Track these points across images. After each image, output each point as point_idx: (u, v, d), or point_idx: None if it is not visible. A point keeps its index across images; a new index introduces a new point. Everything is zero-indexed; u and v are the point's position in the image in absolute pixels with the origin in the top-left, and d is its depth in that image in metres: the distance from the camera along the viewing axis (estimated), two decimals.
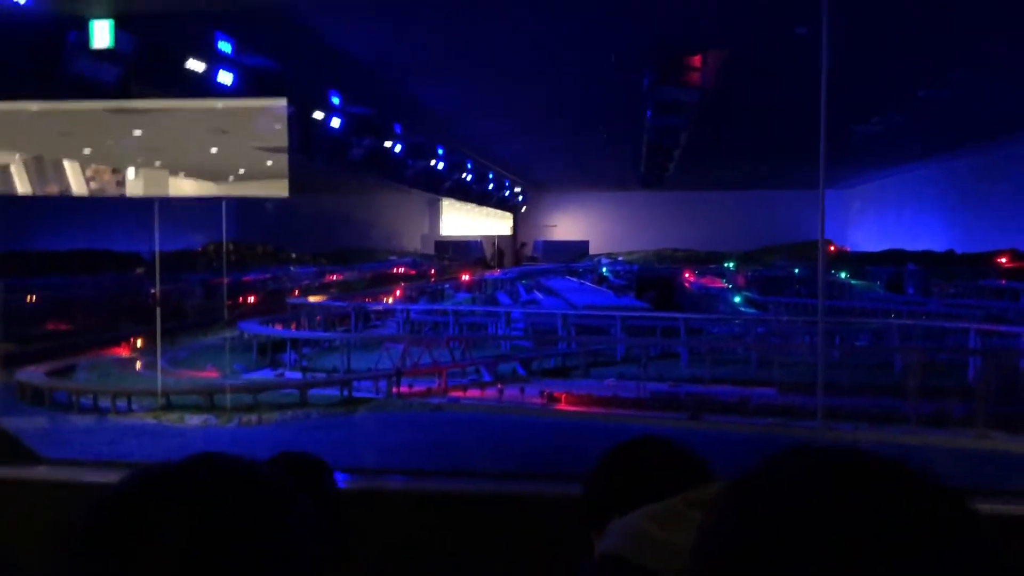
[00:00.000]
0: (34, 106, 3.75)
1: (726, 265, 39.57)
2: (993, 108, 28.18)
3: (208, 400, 15.96)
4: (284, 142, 3.63)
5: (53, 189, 3.68)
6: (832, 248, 42.14)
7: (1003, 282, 29.46)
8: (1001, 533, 2.39)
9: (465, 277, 36.69)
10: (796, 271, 33.34)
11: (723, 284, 34.55)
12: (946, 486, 0.76)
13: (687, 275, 36.85)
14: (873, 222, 44.81)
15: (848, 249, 42.84)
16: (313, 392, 16.66)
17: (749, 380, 19.12)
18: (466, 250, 46.02)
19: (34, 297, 20.29)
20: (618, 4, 19.93)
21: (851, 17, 16.83)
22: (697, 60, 23.99)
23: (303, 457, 2.05)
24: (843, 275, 33.50)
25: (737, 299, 30.33)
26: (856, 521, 0.70)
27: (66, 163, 3.71)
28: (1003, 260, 31.95)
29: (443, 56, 24.46)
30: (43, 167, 3.70)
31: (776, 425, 15.85)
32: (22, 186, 3.67)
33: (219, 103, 3.98)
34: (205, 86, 21.05)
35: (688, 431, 15.91)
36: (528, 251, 51.58)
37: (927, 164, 38.37)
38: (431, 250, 44.51)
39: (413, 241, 43.67)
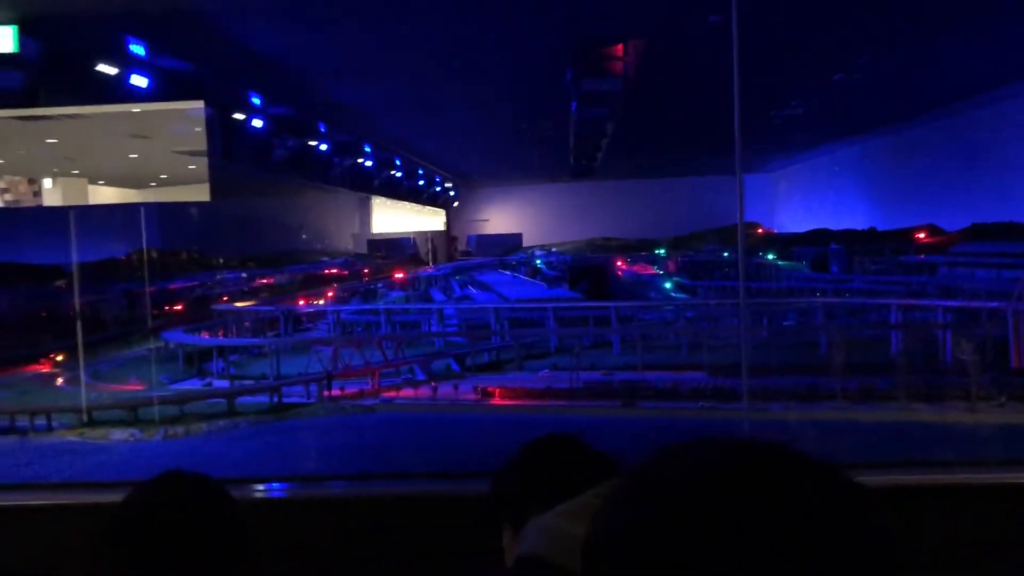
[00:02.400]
0: None
1: (657, 252, 40.05)
2: (905, 90, 29.04)
3: (133, 414, 15.56)
4: (204, 145, 3.54)
5: None
6: (760, 230, 42.98)
7: (922, 257, 30.42)
8: (926, 502, 2.42)
9: (398, 275, 36.44)
10: (725, 255, 33.90)
11: (654, 271, 34.96)
12: (824, 463, 0.78)
13: (619, 263, 37.20)
14: (798, 203, 45.85)
15: (775, 231, 43.75)
16: (242, 400, 16.36)
17: (680, 365, 19.36)
18: (399, 248, 45.70)
19: None
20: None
21: (765, 4, 17.13)
22: (618, 50, 24.19)
23: (190, 476, 1.99)
24: (770, 256, 34.20)
25: (668, 285, 30.74)
26: (739, 506, 0.72)
27: None
28: (921, 236, 32.99)
29: (366, 55, 24.24)
30: None
31: (706, 408, 16.10)
32: None
33: (135, 107, 3.86)
34: (119, 91, 20.52)
35: (621, 418, 16.06)
36: (461, 246, 51.50)
37: (847, 145, 39.40)
38: (363, 249, 44.07)
39: (345, 241, 43.17)
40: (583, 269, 34.77)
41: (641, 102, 27.92)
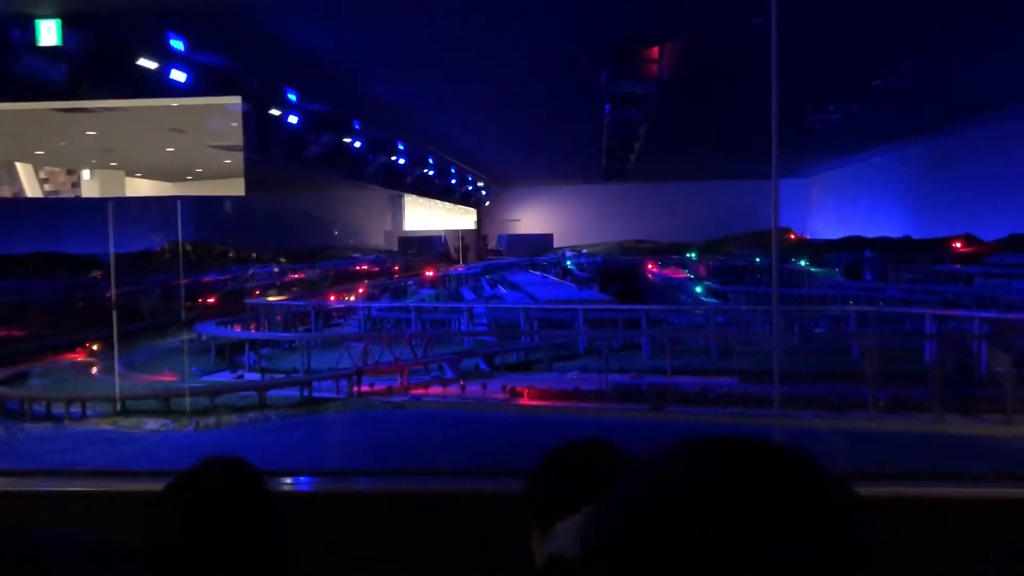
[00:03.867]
0: None
1: (688, 255, 39.84)
2: (946, 96, 28.63)
3: (165, 404, 15.75)
4: (239, 140, 3.56)
5: (5, 192, 3.60)
6: (792, 236, 42.58)
7: (958, 267, 29.97)
8: (958, 514, 2.39)
9: (429, 273, 36.58)
10: (757, 260, 33.62)
11: (685, 274, 34.77)
12: (827, 473, 0.78)
13: (650, 266, 37.04)
14: (833, 210, 45.36)
15: (807, 237, 43.33)
16: (273, 393, 16.49)
17: (710, 370, 19.25)
18: (430, 246, 45.89)
19: None
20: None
21: (805, 7, 16.96)
22: (654, 52, 24.06)
23: (230, 462, 1.99)
24: (803, 263, 33.88)
25: (699, 289, 30.55)
26: (731, 510, 0.72)
27: (18, 165, 3.62)
28: (958, 245, 32.50)
29: (402, 52, 24.32)
30: None
31: (736, 414, 15.98)
32: None
33: (173, 102, 3.91)
34: (158, 85, 20.75)
35: (649, 422, 15.99)
36: (492, 245, 51.57)
37: (884, 151, 38.92)
38: (395, 246, 44.30)
39: (376, 238, 43.43)
40: (614, 271, 34.65)
41: (676, 105, 27.75)
